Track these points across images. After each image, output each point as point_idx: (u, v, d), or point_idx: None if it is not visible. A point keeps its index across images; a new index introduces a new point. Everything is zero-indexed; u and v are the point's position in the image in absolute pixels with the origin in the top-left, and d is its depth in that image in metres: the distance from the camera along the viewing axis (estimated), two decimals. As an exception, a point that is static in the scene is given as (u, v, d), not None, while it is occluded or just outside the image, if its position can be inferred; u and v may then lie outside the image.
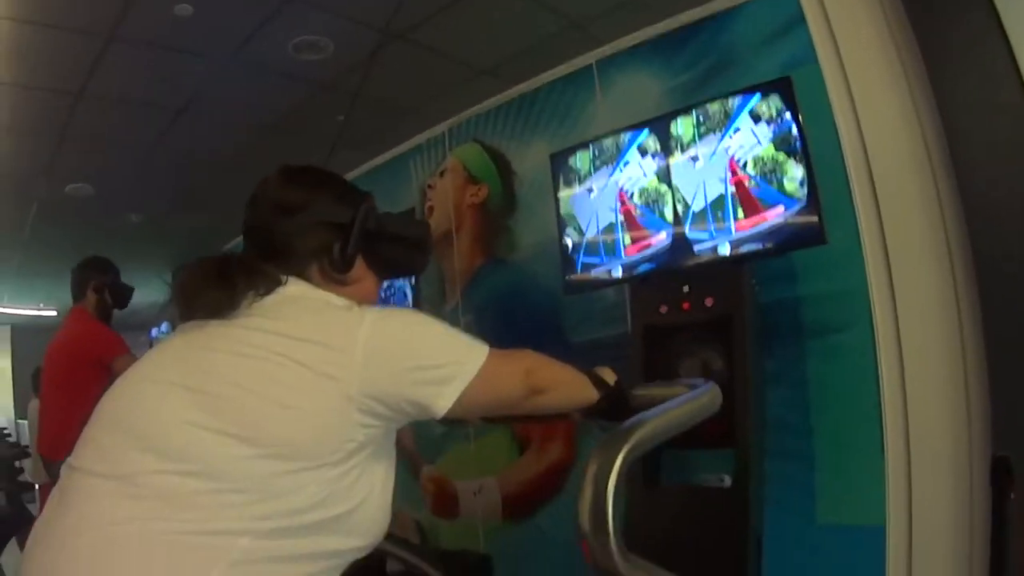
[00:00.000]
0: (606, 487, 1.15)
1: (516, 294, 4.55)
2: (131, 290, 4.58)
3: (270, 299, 1.45)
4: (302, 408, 1.31)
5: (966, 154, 2.94)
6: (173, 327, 5.36)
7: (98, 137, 4.65)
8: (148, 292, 9.33)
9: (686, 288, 3.11)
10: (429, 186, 5.14)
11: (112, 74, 3.81)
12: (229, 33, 3.60)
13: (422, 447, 4.92)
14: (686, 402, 1.57)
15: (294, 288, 1.50)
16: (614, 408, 1.75)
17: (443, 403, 1.41)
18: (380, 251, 1.69)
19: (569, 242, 3.59)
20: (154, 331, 10.46)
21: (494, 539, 4.48)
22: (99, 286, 4.35)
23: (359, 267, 1.65)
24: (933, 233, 3.07)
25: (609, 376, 1.81)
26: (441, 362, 1.44)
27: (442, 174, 5.08)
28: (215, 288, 1.43)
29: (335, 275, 1.60)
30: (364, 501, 1.39)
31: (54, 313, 11.02)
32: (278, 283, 1.48)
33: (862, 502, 3.11)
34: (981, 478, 2.85)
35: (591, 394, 1.72)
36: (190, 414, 1.29)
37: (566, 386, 1.69)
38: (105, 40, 3.49)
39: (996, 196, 2.87)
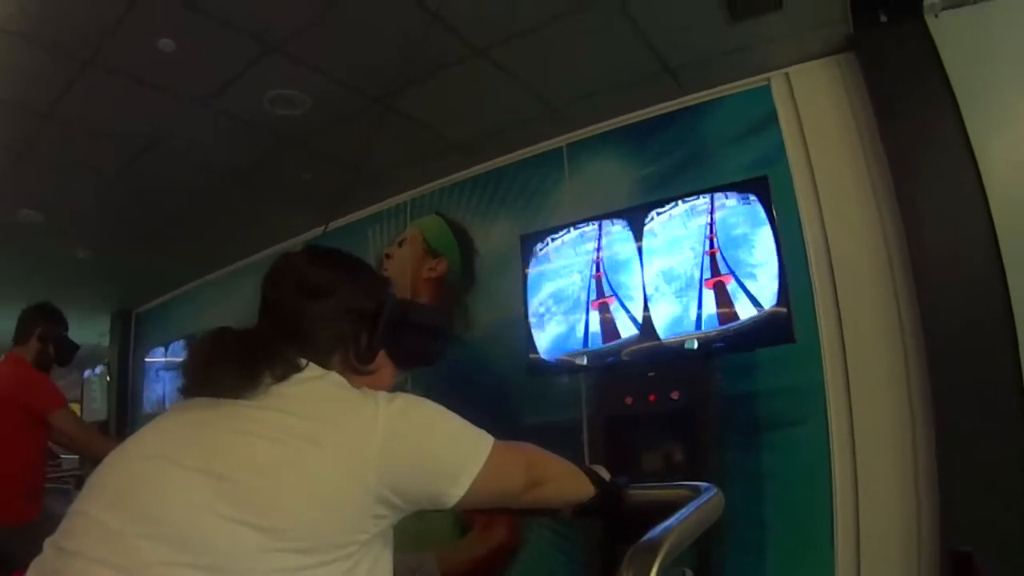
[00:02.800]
0: None
1: (469, 373, 4.49)
2: (76, 348, 4.27)
3: (288, 387, 1.36)
4: (322, 496, 1.23)
5: (925, 260, 3.03)
6: (109, 372, 5.12)
7: (57, 163, 4.47)
8: (86, 332, 9.11)
9: (652, 375, 3.14)
10: (387, 255, 5.09)
11: (82, 99, 3.67)
12: (208, 75, 3.54)
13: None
14: (700, 506, 1.53)
15: (311, 374, 1.41)
16: (608, 505, 1.73)
17: (455, 492, 1.35)
18: (402, 341, 1.63)
19: (534, 324, 3.59)
20: (87, 372, 10.12)
21: (433, 620, 4.40)
22: (46, 335, 4.06)
23: (380, 356, 1.58)
24: (890, 333, 3.15)
25: (604, 473, 1.79)
26: (454, 453, 1.40)
27: (400, 244, 5.03)
28: (235, 367, 1.34)
29: (357, 366, 1.53)
30: None
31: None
32: (297, 369, 1.39)
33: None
34: (929, 572, 2.90)
35: (588, 489, 1.70)
36: (209, 500, 1.19)
37: (563, 479, 1.67)
38: (82, 63, 3.40)
39: (951, 294, 2.96)
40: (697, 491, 1.66)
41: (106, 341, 9.08)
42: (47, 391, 3.86)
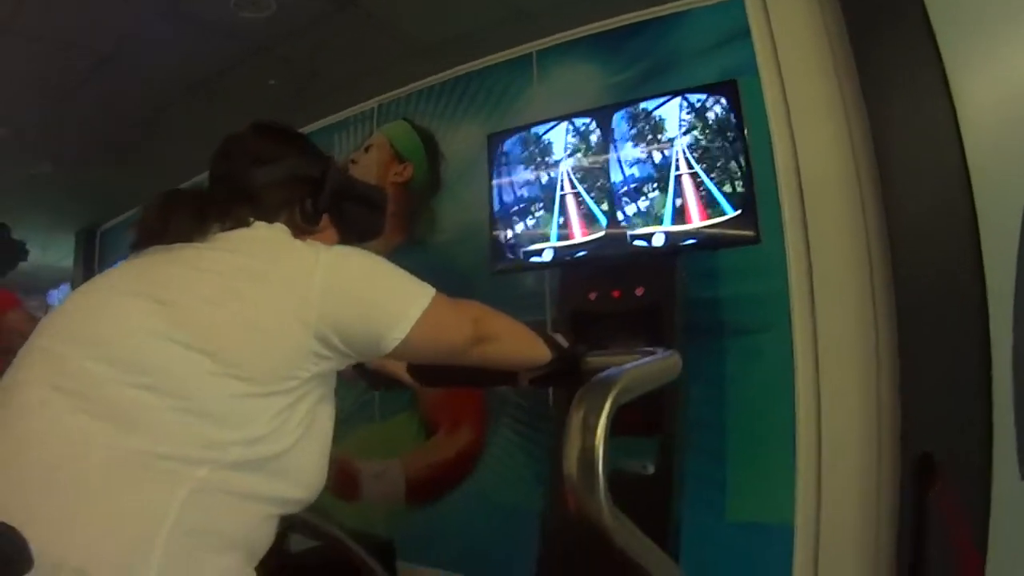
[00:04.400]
0: (595, 434, 1.13)
1: (435, 275, 4.50)
2: (22, 245, 4.25)
3: (235, 232, 1.46)
4: (263, 327, 1.31)
5: (892, 169, 3.03)
6: (76, 283, 5.13)
7: (18, 77, 4.42)
8: (49, 253, 9.06)
9: (617, 276, 3.14)
10: (352, 161, 5.06)
11: (43, 9, 3.62)
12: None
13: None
14: (657, 361, 1.59)
15: (259, 225, 1.51)
16: (564, 372, 1.77)
17: (395, 335, 1.42)
18: (344, 209, 1.76)
19: (500, 224, 3.58)
20: (53, 293, 10.08)
21: (396, 523, 4.45)
22: None
23: (325, 222, 1.71)
24: (855, 241, 3.16)
25: (563, 341, 1.82)
26: (394, 296, 1.46)
27: (367, 149, 5.01)
28: (187, 216, 1.43)
29: (302, 225, 1.64)
30: (302, 441, 1.36)
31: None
32: (245, 224, 1.49)
33: (772, 500, 3.18)
34: (890, 478, 2.94)
35: (543, 352, 1.74)
36: (153, 323, 1.27)
37: (515, 338, 1.71)
38: None
39: (917, 209, 2.97)
40: (654, 354, 1.67)
41: (68, 262, 9.02)
42: None
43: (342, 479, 4.67)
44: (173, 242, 1.41)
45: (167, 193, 1.53)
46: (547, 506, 3.22)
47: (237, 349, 1.27)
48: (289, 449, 1.33)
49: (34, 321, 4.08)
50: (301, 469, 1.39)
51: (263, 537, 1.34)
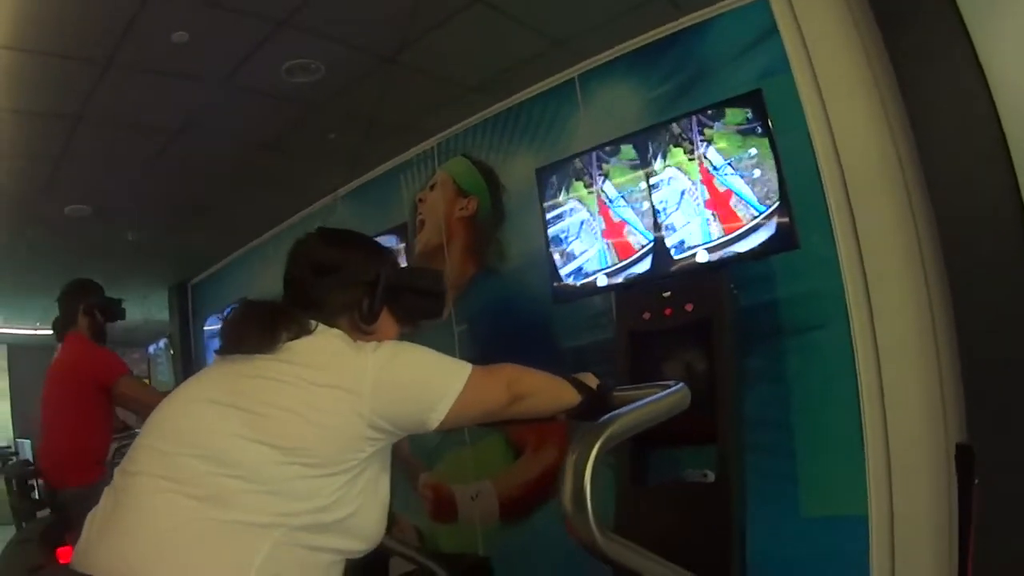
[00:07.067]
0: (584, 473, 1.32)
1: (508, 303, 4.71)
2: (120, 303, 4.63)
3: (300, 342, 1.70)
4: (326, 424, 1.59)
5: (935, 158, 3.05)
6: (172, 343, 5.53)
7: (96, 158, 4.77)
8: (146, 309, 9.50)
9: (667, 295, 3.27)
10: (420, 200, 5.31)
11: (110, 98, 3.93)
12: (224, 57, 3.75)
13: (419, 454, 5.03)
14: (655, 400, 1.77)
15: (320, 331, 1.75)
16: (595, 408, 1.95)
17: (435, 417, 1.68)
18: (401, 303, 1.96)
19: (556, 253, 3.75)
20: (151, 347, 10.49)
21: (491, 541, 4.60)
22: (88, 308, 4.37)
23: (383, 317, 1.90)
24: (905, 233, 3.18)
25: (591, 380, 2.04)
26: (432, 385, 1.71)
27: (432, 188, 5.21)
28: (261, 331, 1.70)
29: (361, 326, 1.85)
30: (363, 506, 1.66)
31: (50, 332, 11.01)
32: (308, 330, 1.72)
33: (845, 493, 3.23)
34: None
35: (572, 397, 1.96)
36: (237, 428, 1.57)
37: (546, 391, 1.93)
38: (103, 67, 3.63)
39: (964, 197, 2.98)
40: (666, 388, 1.89)
41: (165, 315, 9.54)
42: (109, 362, 4.20)
43: (439, 503, 4.88)
44: (249, 352, 1.69)
45: (243, 306, 1.84)
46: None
47: (302, 444, 1.56)
48: (353, 513, 1.63)
49: (142, 385, 4.41)
50: (362, 527, 1.68)
51: None
